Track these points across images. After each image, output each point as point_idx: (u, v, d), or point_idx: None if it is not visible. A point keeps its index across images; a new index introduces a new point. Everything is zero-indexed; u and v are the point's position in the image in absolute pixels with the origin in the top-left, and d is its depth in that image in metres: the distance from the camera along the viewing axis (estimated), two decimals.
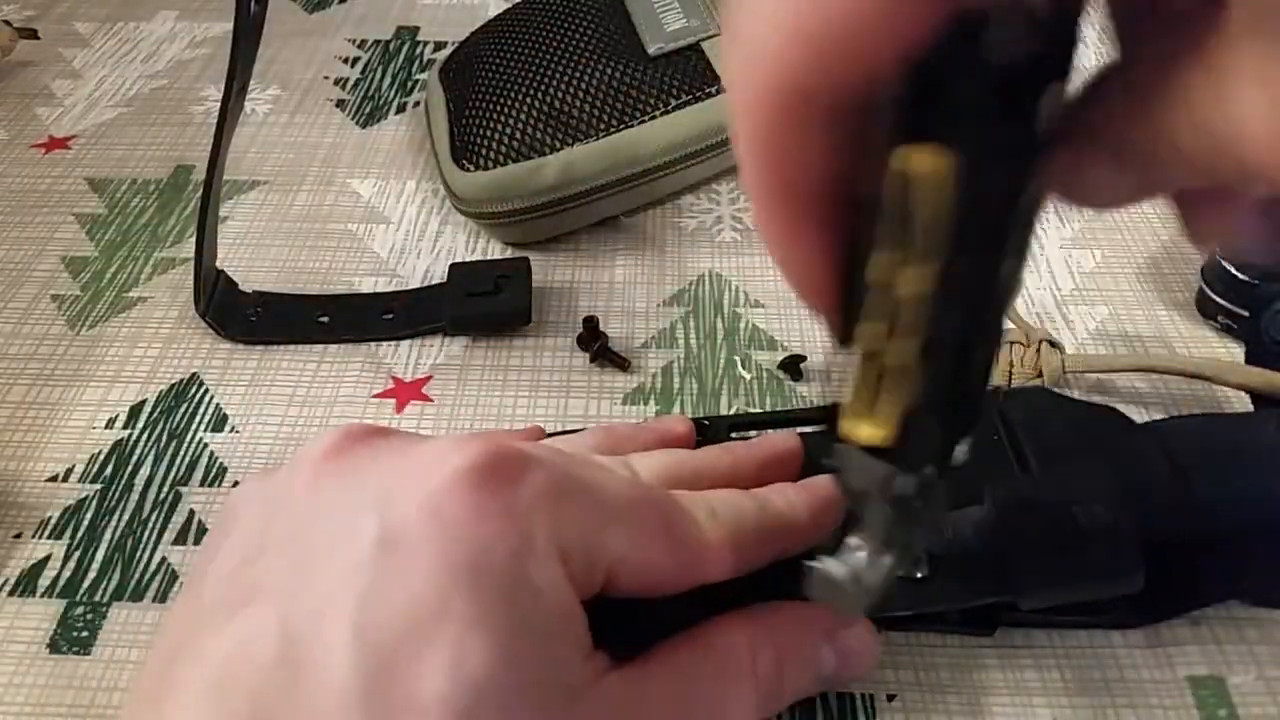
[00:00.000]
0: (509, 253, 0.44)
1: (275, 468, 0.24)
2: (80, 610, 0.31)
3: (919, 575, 0.27)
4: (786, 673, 0.25)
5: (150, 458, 0.36)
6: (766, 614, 0.25)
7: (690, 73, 0.42)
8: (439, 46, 0.58)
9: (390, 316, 0.41)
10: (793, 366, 0.38)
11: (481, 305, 0.40)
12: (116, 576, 0.32)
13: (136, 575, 0.32)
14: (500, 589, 0.20)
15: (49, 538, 0.33)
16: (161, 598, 0.32)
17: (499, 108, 0.43)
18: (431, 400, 0.38)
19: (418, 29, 0.60)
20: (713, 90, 0.42)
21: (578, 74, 0.43)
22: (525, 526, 0.20)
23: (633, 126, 0.42)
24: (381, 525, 0.20)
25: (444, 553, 0.19)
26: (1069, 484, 0.28)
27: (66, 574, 0.32)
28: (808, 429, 0.33)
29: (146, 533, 0.33)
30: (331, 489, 0.22)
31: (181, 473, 0.35)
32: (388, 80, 0.55)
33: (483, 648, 0.19)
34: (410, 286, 0.42)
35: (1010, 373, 0.36)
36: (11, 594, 0.32)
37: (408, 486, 0.21)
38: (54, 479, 0.35)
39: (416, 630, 0.19)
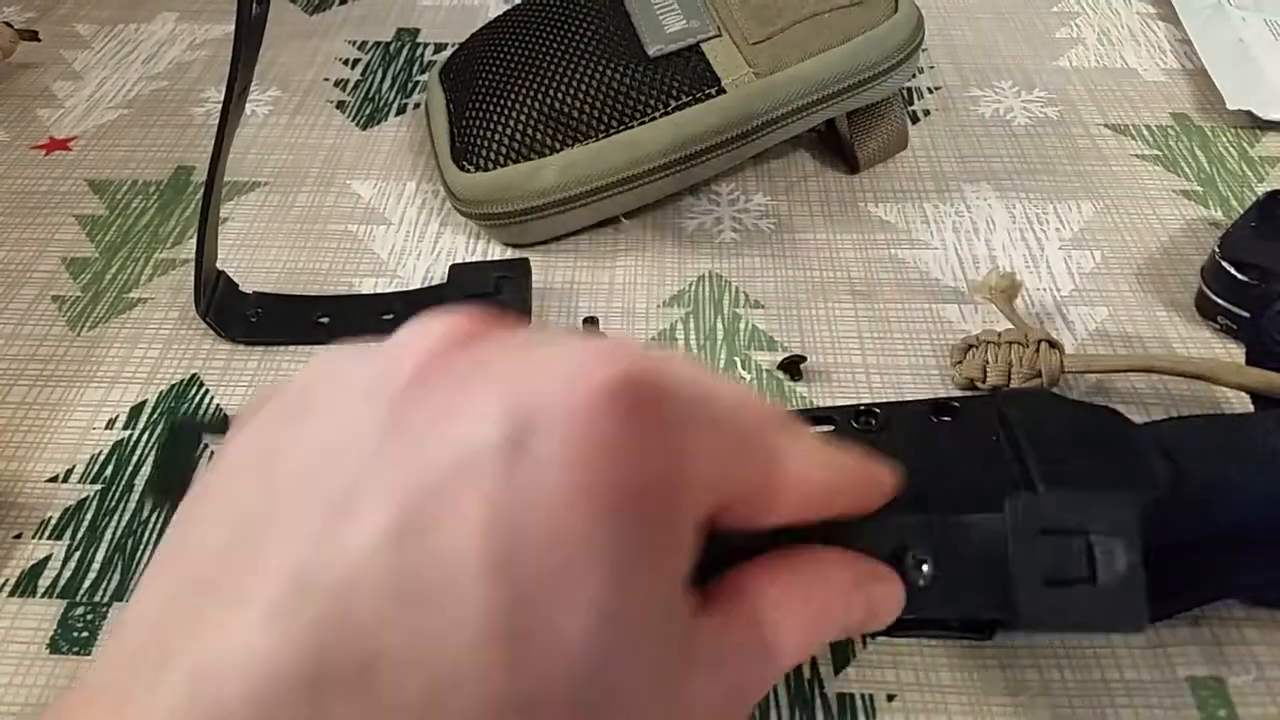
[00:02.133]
0: (509, 253, 0.44)
1: (358, 349, 0.20)
2: (80, 611, 0.31)
3: (921, 583, 0.27)
4: (815, 628, 0.23)
5: (151, 458, 0.36)
6: (803, 562, 0.23)
7: (690, 74, 0.42)
8: (439, 48, 0.58)
9: (390, 317, 0.41)
10: (792, 367, 0.38)
11: (481, 306, 0.40)
12: (116, 577, 0.32)
13: (137, 576, 0.32)
14: (646, 528, 0.18)
15: (49, 538, 0.33)
16: None
17: (499, 109, 0.43)
18: None
19: (418, 30, 0.60)
20: (712, 91, 0.42)
21: (578, 75, 0.43)
22: (672, 465, 0.18)
23: (633, 127, 0.42)
24: (516, 434, 0.17)
25: (589, 480, 0.17)
26: (1090, 509, 0.27)
27: (66, 574, 0.32)
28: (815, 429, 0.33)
29: (146, 533, 0.34)
30: (450, 386, 0.18)
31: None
32: (388, 82, 0.55)
33: (625, 587, 0.17)
34: (410, 287, 0.42)
35: (1010, 373, 0.36)
36: (12, 594, 0.32)
37: (546, 398, 0.17)
38: (54, 479, 0.35)
39: (559, 560, 0.16)
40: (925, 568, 0.27)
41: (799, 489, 0.22)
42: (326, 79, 0.56)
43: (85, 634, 0.31)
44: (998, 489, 0.29)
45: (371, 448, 0.17)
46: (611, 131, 0.42)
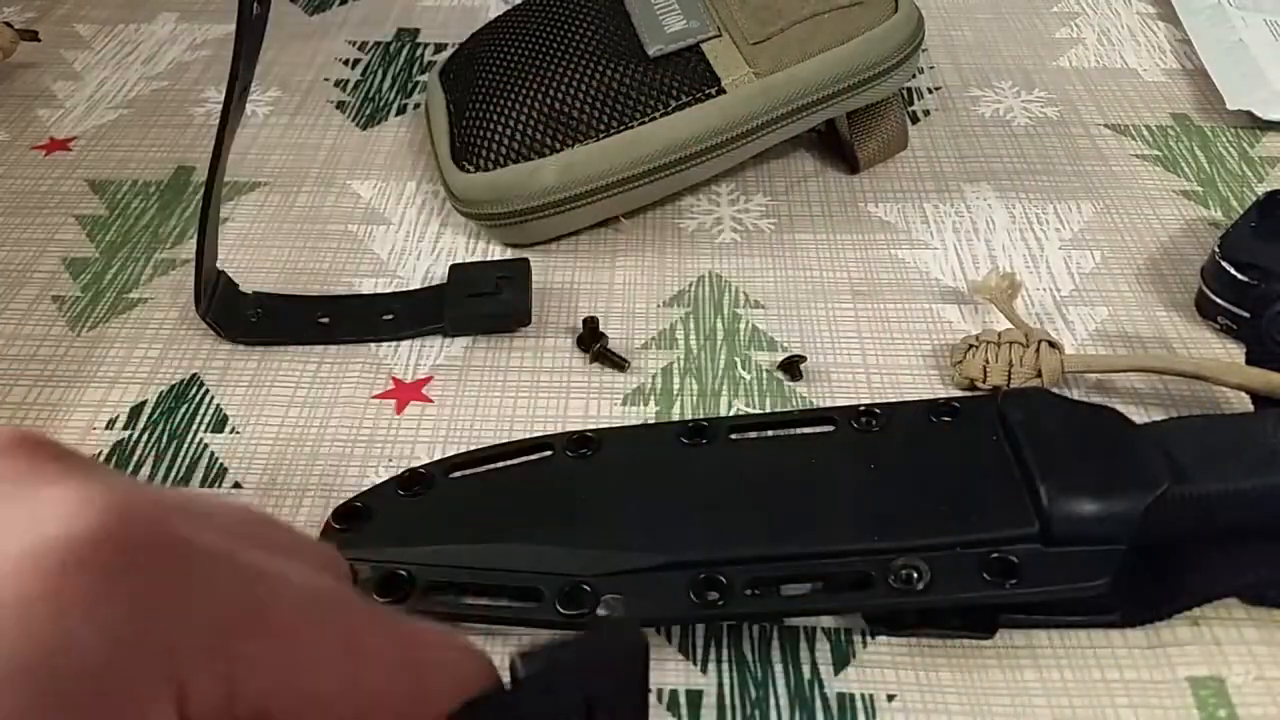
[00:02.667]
0: (509, 253, 0.44)
1: None
2: None
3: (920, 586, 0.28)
4: None
5: (150, 459, 0.36)
6: None
7: (690, 74, 0.42)
8: (439, 48, 0.58)
9: (390, 317, 0.41)
10: (792, 367, 0.38)
11: (482, 306, 0.40)
12: None
13: None
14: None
15: None
16: None
17: (499, 109, 0.43)
18: (432, 401, 0.38)
19: (418, 31, 0.60)
20: (712, 91, 0.42)
21: (578, 75, 0.43)
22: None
23: (632, 127, 0.42)
24: None
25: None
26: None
27: None
28: None
29: None
30: None
31: (182, 474, 0.35)
32: (388, 82, 0.55)
33: None
34: (410, 287, 0.42)
35: (1010, 373, 0.36)
36: None
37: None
38: None
39: None
40: (915, 574, 0.28)
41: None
42: (326, 79, 0.56)
43: None
44: (998, 491, 0.30)
45: None
46: (611, 131, 0.42)
